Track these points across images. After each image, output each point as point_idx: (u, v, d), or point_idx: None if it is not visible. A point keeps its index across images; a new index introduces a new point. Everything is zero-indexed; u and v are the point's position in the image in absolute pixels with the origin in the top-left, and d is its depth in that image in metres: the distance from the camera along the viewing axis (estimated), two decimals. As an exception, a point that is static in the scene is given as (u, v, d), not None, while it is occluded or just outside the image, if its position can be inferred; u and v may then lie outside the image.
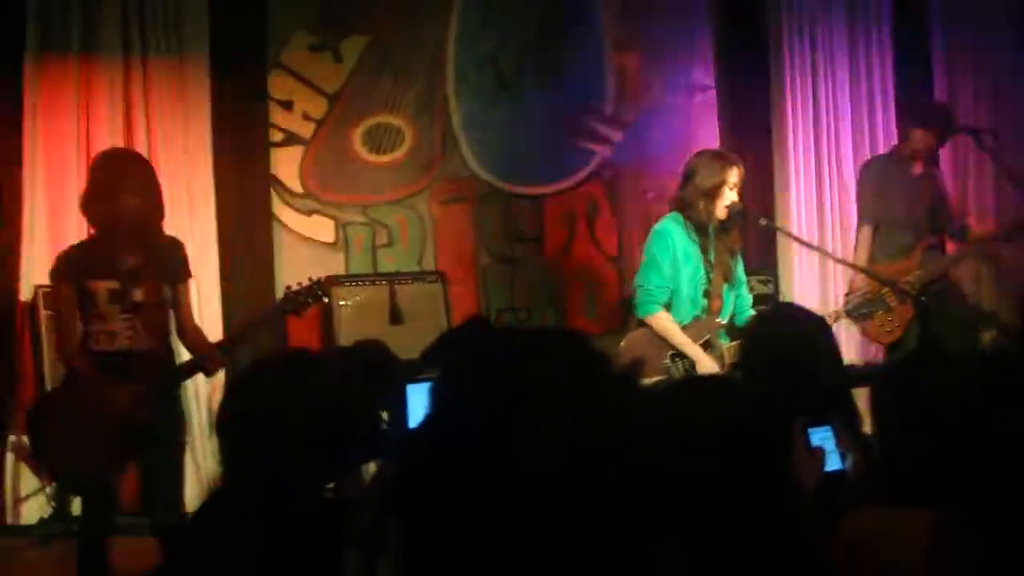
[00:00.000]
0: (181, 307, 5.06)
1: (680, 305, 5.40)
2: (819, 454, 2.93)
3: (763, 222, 5.70)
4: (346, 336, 6.56)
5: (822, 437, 3.01)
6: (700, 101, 7.87)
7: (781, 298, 7.32)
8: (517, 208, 7.61)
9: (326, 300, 5.55)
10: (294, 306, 5.18)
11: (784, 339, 3.53)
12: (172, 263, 5.08)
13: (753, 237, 6.88)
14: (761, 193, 7.58)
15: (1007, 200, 7.37)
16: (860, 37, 7.87)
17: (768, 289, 7.27)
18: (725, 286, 5.47)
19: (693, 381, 3.26)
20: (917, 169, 6.70)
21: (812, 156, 7.79)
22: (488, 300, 7.51)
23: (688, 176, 5.42)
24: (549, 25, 7.65)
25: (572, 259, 7.67)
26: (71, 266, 4.92)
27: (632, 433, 1.65)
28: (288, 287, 5.23)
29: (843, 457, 2.98)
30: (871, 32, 7.88)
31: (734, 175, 5.37)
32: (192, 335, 5.09)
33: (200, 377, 6.11)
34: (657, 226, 5.48)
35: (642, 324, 5.46)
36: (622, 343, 5.50)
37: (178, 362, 5.13)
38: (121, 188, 4.84)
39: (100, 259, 4.88)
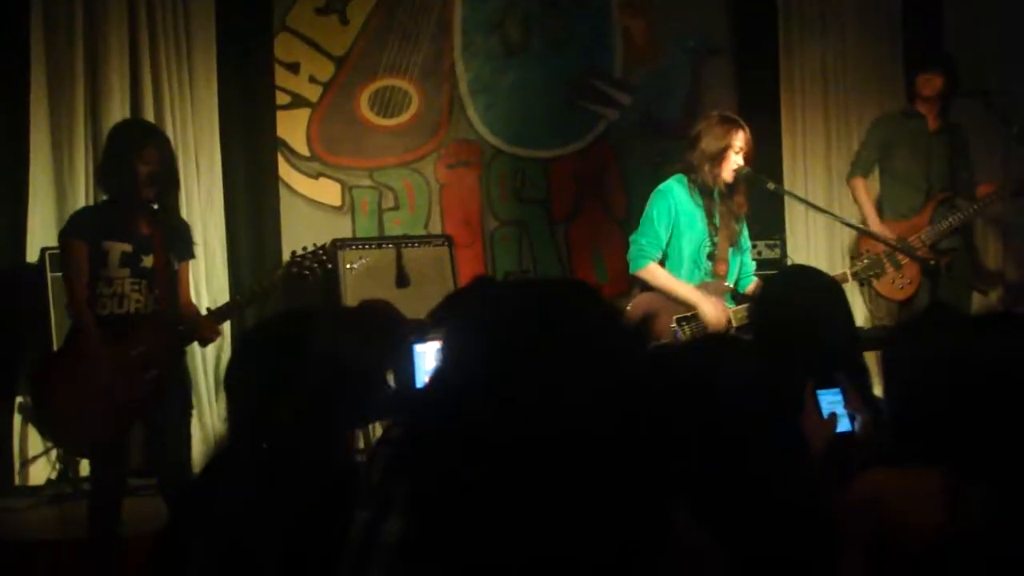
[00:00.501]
0: (181, 283, 5.11)
1: (684, 267, 5.39)
2: (832, 417, 2.93)
3: (771, 186, 5.65)
4: (353, 299, 6.55)
5: (832, 399, 3.00)
6: (709, 64, 7.84)
7: (789, 262, 7.31)
8: (524, 171, 7.59)
9: (330, 266, 5.53)
10: (299, 271, 5.20)
11: (795, 301, 3.51)
12: (181, 237, 5.13)
13: (761, 201, 6.84)
14: (770, 156, 7.55)
15: (1017, 163, 7.32)
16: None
17: (776, 253, 7.27)
18: (731, 250, 5.46)
19: (705, 342, 3.24)
20: (931, 125, 6.66)
21: (820, 118, 7.76)
22: (495, 264, 7.50)
23: (694, 140, 5.41)
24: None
25: (580, 222, 7.65)
26: (87, 225, 4.97)
27: (646, 389, 1.62)
28: (293, 252, 5.23)
29: (852, 419, 2.97)
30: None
31: (739, 139, 5.35)
32: (187, 310, 5.13)
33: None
34: (661, 185, 5.47)
35: (643, 287, 5.46)
36: (627, 306, 5.48)
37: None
38: (137, 159, 4.87)
39: (115, 222, 4.92)
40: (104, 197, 5.17)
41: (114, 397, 4.76)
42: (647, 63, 7.77)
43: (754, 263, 5.69)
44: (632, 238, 5.45)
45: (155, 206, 4.97)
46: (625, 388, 1.58)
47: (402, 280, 6.74)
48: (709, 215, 5.40)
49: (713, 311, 5.28)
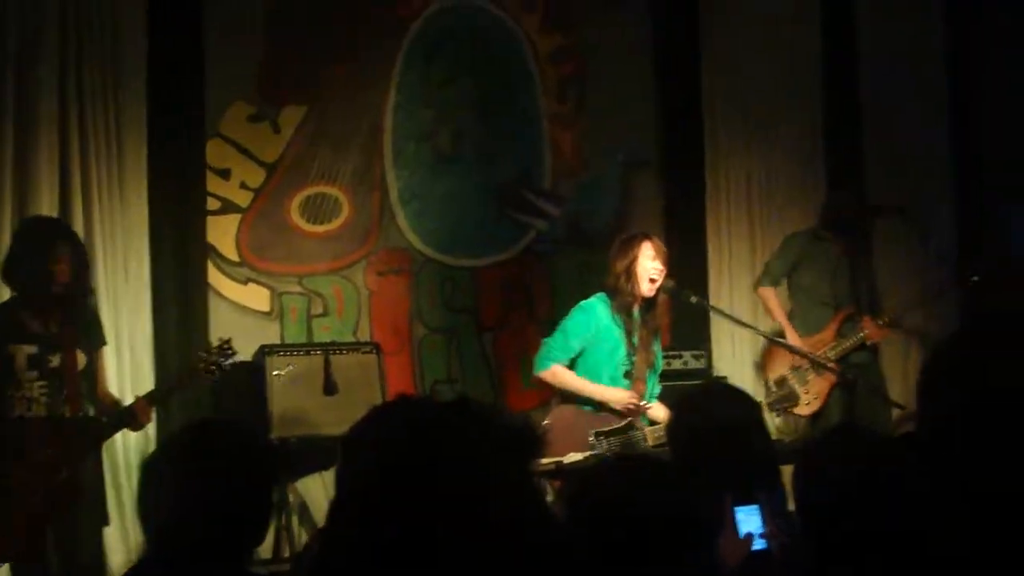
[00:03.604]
0: (96, 372, 5.08)
1: (599, 380, 5.52)
2: (748, 538, 2.96)
3: (693, 299, 5.81)
4: (279, 406, 6.54)
5: (748, 515, 3.04)
6: (637, 176, 7.98)
7: (714, 373, 7.41)
8: (453, 280, 7.63)
9: (233, 357, 5.60)
10: (205, 368, 5.23)
11: (715, 416, 3.56)
12: (91, 329, 5.10)
13: (688, 311, 6.96)
14: (696, 268, 7.68)
15: (934, 278, 7.51)
16: (795, 111, 8.03)
17: (702, 363, 7.36)
18: (648, 371, 5.60)
19: (622, 461, 3.27)
20: (838, 246, 6.89)
21: (745, 231, 7.91)
22: (423, 372, 7.51)
23: (608, 263, 5.59)
24: (487, 99, 7.74)
25: (508, 331, 7.69)
26: None
27: (550, 515, 1.66)
28: (197, 349, 5.25)
29: (768, 537, 3.00)
30: (805, 107, 8.04)
31: (646, 249, 5.52)
32: (104, 400, 5.09)
33: (132, 444, 6.11)
34: (584, 302, 5.63)
35: (563, 398, 5.57)
36: (546, 419, 5.58)
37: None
38: (48, 255, 4.84)
39: (19, 324, 4.88)
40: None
41: (25, 502, 4.69)
42: (576, 174, 7.90)
43: (660, 387, 5.81)
44: (544, 340, 5.64)
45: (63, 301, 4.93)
46: (509, 511, 1.62)
47: (329, 387, 6.71)
48: (628, 335, 5.53)
49: (621, 396, 5.38)
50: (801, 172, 7.91)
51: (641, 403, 5.54)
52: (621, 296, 5.53)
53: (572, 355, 5.55)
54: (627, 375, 5.58)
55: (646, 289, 5.51)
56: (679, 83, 7.96)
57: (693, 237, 7.82)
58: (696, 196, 7.93)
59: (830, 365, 6.38)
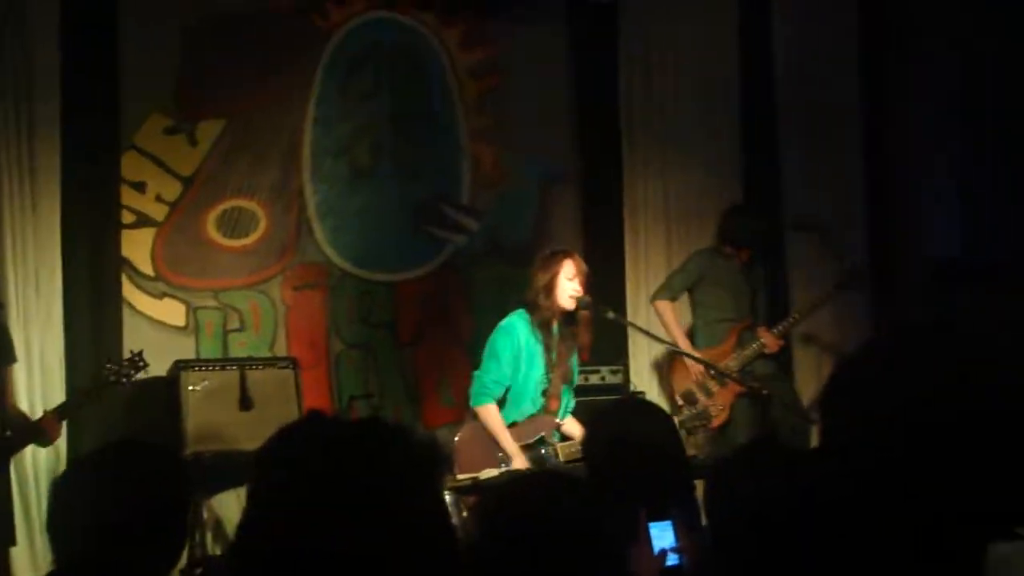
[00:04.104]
0: (6, 388, 5.01)
1: (520, 403, 5.59)
2: (662, 554, 2.98)
3: (610, 315, 5.85)
4: (194, 421, 6.47)
5: (662, 531, 3.06)
6: (556, 191, 8.02)
7: (632, 387, 7.46)
8: (371, 294, 7.61)
9: (144, 369, 5.69)
10: (116, 379, 5.20)
11: (630, 432, 3.58)
12: (1, 343, 5.03)
13: (605, 326, 6.99)
14: (614, 283, 7.73)
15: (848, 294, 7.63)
16: (712, 128, 8.12)
17: (619, 379, 7.40)
18: (564, 386, 5.64)
19: (537, 476, 3.28)
20: (739, 262, 7.05)
21: (663, 246, 7.97)
22: (340, 387, 7.48)
23: (529, 278, 5.64)
24: (406, 113, 7.73)
25: (426, 346, 7.68)
26: None
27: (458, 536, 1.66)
28: (108, 359, 5.21)
29: (680, 552, 3.03)
30: (722, 123, 8.15)
31: (567, 266, 5.56)
32: (13, 415, 5.03)
33: (41, 460, 6.03)
34: (503, 321, 5.65)
35: (474, 416, 5.60)
36: (457, 435, 5.61)
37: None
38: None
39: None
40: None
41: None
42: (495, 188, 7.91)
43: (574, 401, 5.84)
44: (475, 374, 5.64)
45: None
46: (407, 524, 1.63)
47: (245, 403, 6.65)
48: (547, 350, 5.56)
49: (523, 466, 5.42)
50: (719, 188, 7.97)
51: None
52: (541, 311, 5.55)
53: (507, 381, 5.56)
54: (544, 392, 5.61)
55: (566, 304, 5.54)
56: (597, 97, 8.02)
57: (611, 251, 7.86)
58: (614, 210, 7.98)
59: (734, 376, 6.51)
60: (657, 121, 8.02)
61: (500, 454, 5.42)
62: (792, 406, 6.85)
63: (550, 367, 5.59)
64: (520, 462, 5.40)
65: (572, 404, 5.80)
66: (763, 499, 2.37)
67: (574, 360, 5.77)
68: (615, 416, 3.72)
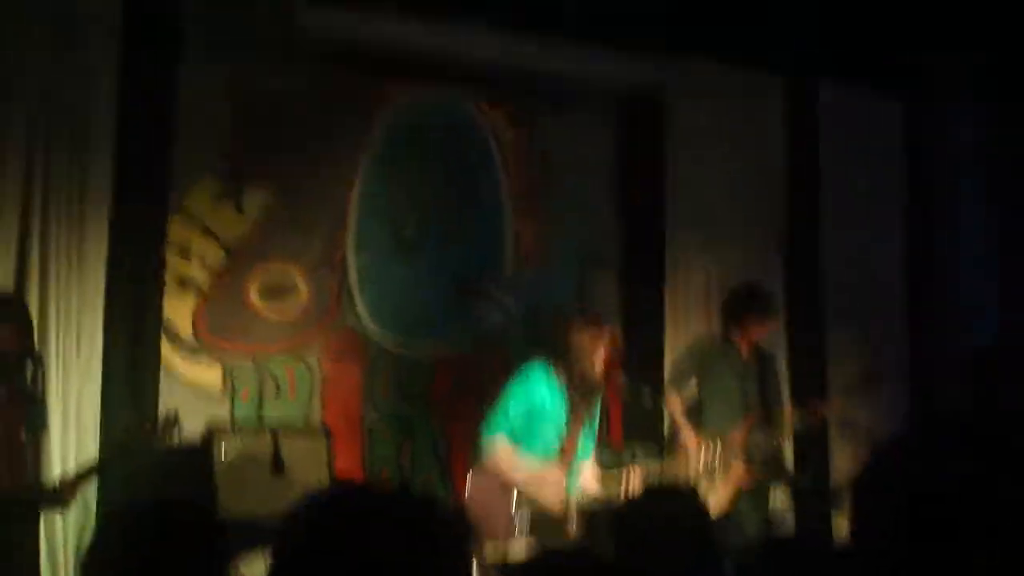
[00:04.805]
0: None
1: (533, 447, 5.84)
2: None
3: (649, 405, 5.99)
4: (226, 484, 6.48)
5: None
6: (595, 273, 8.04)
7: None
8: (407, 367, 7.62)
9: (177, 429, 5.79)
10: (147, 437, 5.25)
11: (661, 519, 3.56)
12: (38, 410, 5.07)
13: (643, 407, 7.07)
14: (653, 367, 7.71)
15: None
16: (754, 216, 8.17)
17: (654, 459, 7.36)
18: (581, 431, 5.78)
19: (565, 557, 3.25)
20: (744, 352, 7.03)
21: (703, 329, 7.97)
22: (372, 457, 7.47)
23: (567, 333, 5.93)
24: (452, 188, 7.80)
25: (461, 421, 7.66)
26: None
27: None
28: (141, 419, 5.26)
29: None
30: (764, 212, 8.20)
31: (605, 338, 5.69)
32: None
33: (71, 520, 6.04)
34: (523, 367, 5.79)
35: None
36: (468, 484, 5.86)
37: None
38: None
39: None
40: None
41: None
42: (536, 266, 7.95)
43: (593, 444, 6.06)
44: (487, 414, 5.91)
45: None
46: None
47: (278, 468, 6.67)
48: (568, 400, 5.71)
49: (550, 495, 5.63)
50: (760, 273, 7.98)
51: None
52: (569, 368, 5.73)
53: (512, 422, 5.79)
54: (559, 438, 5.76)
55: (596, 372, 5.74)
56: (640, 180, 8.08)
57: (651, 335, 7.88)
58: (655, 294, 8.00)
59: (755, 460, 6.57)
60: (700, 204, 8.06)
61: (511, 509, 5.56)
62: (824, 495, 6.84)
63: (571, 417, 5.75)
64: (544, 492, 5.56)
65: (591, 447, 5.90)
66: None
67: (597, 402, 5.92)
68: (652, 501, 3.70)
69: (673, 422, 6.99)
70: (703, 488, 6.65)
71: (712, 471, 6.73)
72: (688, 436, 6.81)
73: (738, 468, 6.48)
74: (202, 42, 7.06)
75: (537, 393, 5.81)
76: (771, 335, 7.51)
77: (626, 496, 5.33)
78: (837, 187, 8.33)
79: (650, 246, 8.05)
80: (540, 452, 5.80)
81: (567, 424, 5.80)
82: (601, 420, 6.14)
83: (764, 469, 6.68)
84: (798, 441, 7.39)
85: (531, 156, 8.01)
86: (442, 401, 7.67)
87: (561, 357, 5.83)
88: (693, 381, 7.19)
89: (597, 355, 5.79)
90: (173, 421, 5.56)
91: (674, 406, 7.05)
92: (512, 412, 5.78)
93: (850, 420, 7.77)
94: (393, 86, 7.71)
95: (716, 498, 6.54)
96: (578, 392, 5.84)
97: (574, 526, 5.74)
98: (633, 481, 5.77)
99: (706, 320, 7.96)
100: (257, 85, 7.35)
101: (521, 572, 4.59)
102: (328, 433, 6.94)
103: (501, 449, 5.78)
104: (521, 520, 5.56)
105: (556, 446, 5.81)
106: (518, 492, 5.70)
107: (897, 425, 7.46)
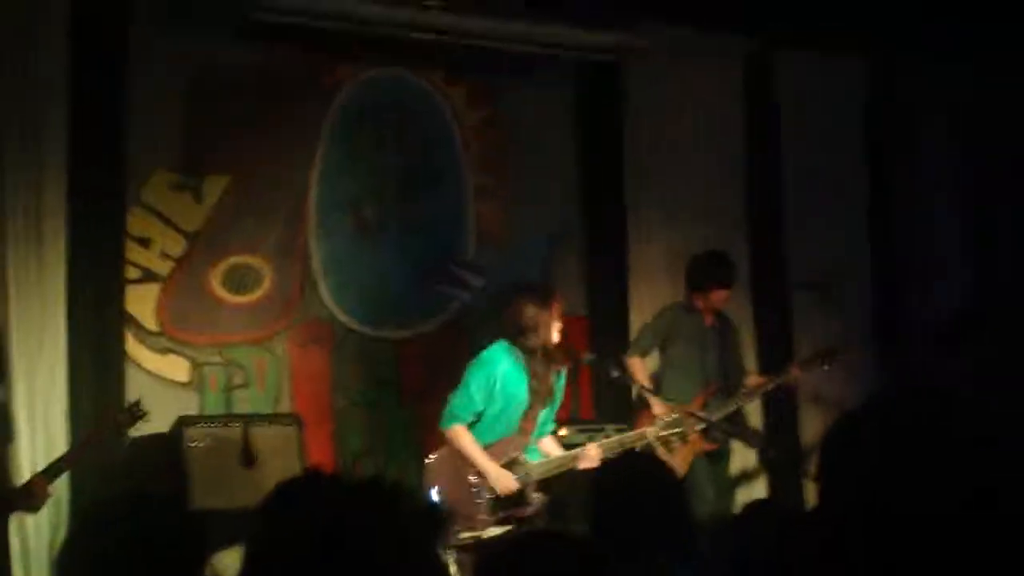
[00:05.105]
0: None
1: (495, 428, 5.88)
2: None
3: (615, 373, 6.00)
4: (198, 476, 6.44)
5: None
6: (560, 250, 8.02)
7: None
8: (375, 352, 7.58)
9: (143, 419, 5.77)
10: (114, 428, 5.23)
11: (635, 491, 3.55)
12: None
13: (610, 384, 7.07)
14: (618, 339, 7.72)
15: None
16: (718, 187, 8.17)
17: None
18: (544, 410, 5.80)
19: (543, 538, 3.23)
20: (707, 320, 7.10)
21: (667, 300, 7.96)
22: (344, 444, 7.44)
23: (517, 309, 5.96)
24: (411, 171, 7.75)
25: (431, 404, 7.63)
26: None
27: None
28: (108, 409, 5.22)
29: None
30: (727, 183, 8.20)
31: (557, 308, 5.92)
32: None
33: (43, 517, 5.99)
34: (484, 352, 5.86)
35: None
36: (428, 461, 5.99)
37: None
38: None
39: None
40: None
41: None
42: (499, 245, 7.92)
43: (554, 423, 6.15)
44: (448, 398, 5.96)
45: None
46: None
47: (248, 459, 6.63)
48: (533, 378, 5.76)
49: (504, 484, 5.74)
50: (723, 243, 7.97)
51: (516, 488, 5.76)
52: (528, 343, 5.78)
53: (477, 409, 5.86)
54: (523, 415, 5.81)
55: (555, 340, 5.75)
56: (601, 153, 8.06)
57: (615, 307, 7.88)
58: (619, 266, 7.99)
59: (724, 426, 6.59)
60: (662, 177, 8.05)
61: (471, 478, 5.58)
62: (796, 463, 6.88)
63: (532, 393, 5.74)
64: (496, 478, 5.65)
65: (551, 426, 6.01)
66: (760, 562, 2.34)
67: (560, 382, 5.97)
68: (621, 474, 3.69)
69: (639, 387, 6.98)
70: (660, 453, 6.67)
71: (670, 438, 6.72)
72: (652, 400, 6.83)
73: (695, 435, 6.51)
74: (152, 28, 6.99)
75: (499, 371, 5.80)
76: (736, 307, 7.52)
77: (600, 470, 5.33)
78: (798, 152, 8.34)
79: (613, 221, 8.03)
80: (503, 430, 5.82)
81: (527, 401, 5.82)
82: (570, 400, 6.14)
83: (721, 437, 6.73)
84: (767, 409, 7.39)
85: (491, 134, 7.97)
86: (412, 385, 7.63)
87: (520, 334, 5.76)
88: (655, 348, 7.20)
89: (553, 326, 5.75)
90: (136, 410, 5.54)
91: (636, 367, 7.07)
92: (474, 391, 5.77)
93: (818, 390, 7.80)
94: (349, 64, 7.64)
95: (673, 464, 6.56)
96: (540, 367, 5.82)
97: (536, 499, 5.80)
98: (591, 453, 5.77)
99: (671, 294, 7.96)
100: (210, 69, 7.27)
101: (493, 553, 4.59)
102: (299, 422, 6.91)
103: (461, 430, 5.80)
104: (484, 499, 5.64)
105: (517, 423, 5.85)
106: (479, 472, 5.74)
107: (865, 391, 7.49)
